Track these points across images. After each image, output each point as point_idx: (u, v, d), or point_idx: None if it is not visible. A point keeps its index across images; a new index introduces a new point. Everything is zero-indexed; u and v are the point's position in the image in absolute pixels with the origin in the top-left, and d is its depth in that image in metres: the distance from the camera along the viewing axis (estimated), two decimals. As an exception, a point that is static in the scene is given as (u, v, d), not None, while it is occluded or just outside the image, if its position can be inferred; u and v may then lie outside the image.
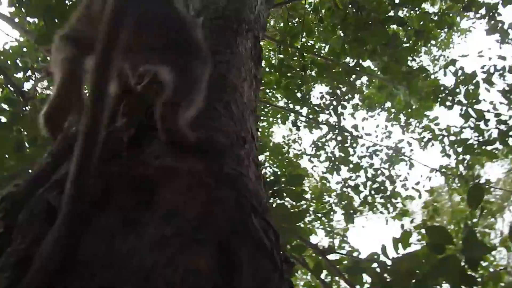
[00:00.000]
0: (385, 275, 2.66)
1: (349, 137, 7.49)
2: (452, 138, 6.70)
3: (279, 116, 8.00)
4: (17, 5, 4.62)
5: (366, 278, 2.87)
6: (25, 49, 4.76)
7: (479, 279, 2.40)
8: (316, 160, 7.77)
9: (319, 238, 7.41)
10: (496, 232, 9.23)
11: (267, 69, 6.66)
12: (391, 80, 6.29)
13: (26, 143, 3.28)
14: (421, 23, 6.05)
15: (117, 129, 1.04)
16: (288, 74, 6.15)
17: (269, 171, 6.64)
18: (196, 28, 1.22)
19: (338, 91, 7.05)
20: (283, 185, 3.10)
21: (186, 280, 0.66)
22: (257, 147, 1.48)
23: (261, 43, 2.52)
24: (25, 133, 3.46)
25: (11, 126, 3.45)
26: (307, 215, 6.82)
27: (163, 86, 0.99)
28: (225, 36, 1.88)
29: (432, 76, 6.96)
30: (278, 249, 0.89)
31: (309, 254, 5.03)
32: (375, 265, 2.80)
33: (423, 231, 5.97)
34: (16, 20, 4.79)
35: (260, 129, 7.64)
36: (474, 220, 5.16)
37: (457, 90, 6.12)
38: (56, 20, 3.26)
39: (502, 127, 5.86)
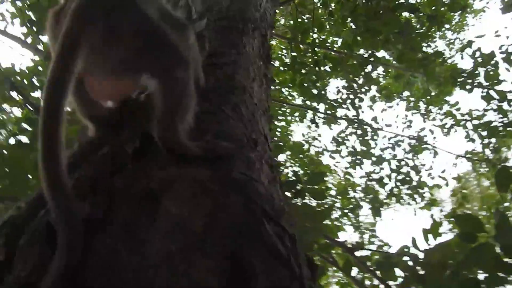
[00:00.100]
0: (418, 267, 2.59)
1: (369, 130, 7.40)
2: (475, 122, 6.58)
3: (297, 114, 7.92)
4: (28, 24, 4.70)
5: (399, 272, 2.80)
6: (40, 68, 4.81)
7: (517, 265, 2.30)
8: (338, 156, 7.68)
9: (348, 235, 7.34)
10: (530, 214, 8.99)
11: (281, 68, 6.61)
12: (407, 68, 6.20)
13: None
14: (433, 8, 5.91)
15: (121, 142, 1.01)
16: (302, 71, 6.09)
17: (291, 171, 6.59)
18: (179, 32, 1.17)
19: (354, 84, 6.95)
20: (305, 184, 3.04)
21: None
22: (271, 148, 1.43)
23: (272, 42, 2.48)
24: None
25: (32, 145, 3.48)
26: (333, 211, 6.74)
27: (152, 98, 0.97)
28: (230, 37, 1.84)
29: (449, 61, 6.84)
30: (297, 255, 0.84)
31: (339, 252, 4.97)
32: (406, 258, 2.74)
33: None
34: (29, 40, 4.86)
35: (279, 129, 7.61)
36: (506, 204, 5.03)
37: (476, 72, 5.98)
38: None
39: (527, 105, 5.74)
